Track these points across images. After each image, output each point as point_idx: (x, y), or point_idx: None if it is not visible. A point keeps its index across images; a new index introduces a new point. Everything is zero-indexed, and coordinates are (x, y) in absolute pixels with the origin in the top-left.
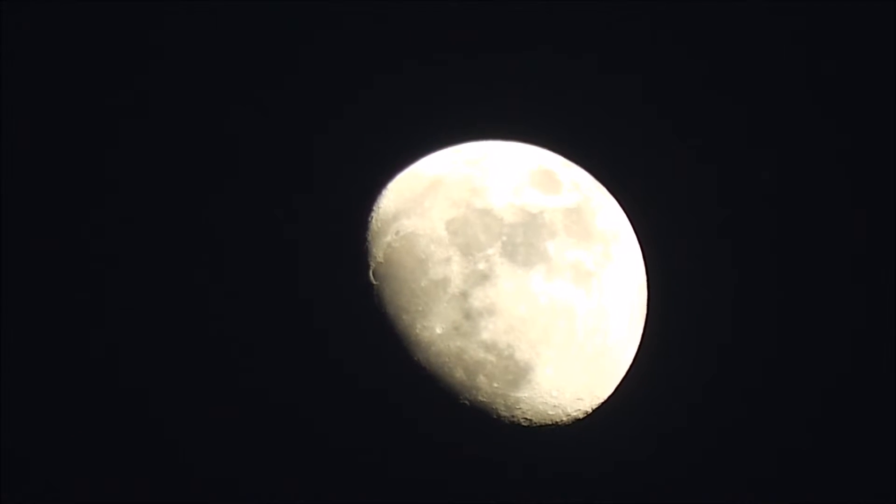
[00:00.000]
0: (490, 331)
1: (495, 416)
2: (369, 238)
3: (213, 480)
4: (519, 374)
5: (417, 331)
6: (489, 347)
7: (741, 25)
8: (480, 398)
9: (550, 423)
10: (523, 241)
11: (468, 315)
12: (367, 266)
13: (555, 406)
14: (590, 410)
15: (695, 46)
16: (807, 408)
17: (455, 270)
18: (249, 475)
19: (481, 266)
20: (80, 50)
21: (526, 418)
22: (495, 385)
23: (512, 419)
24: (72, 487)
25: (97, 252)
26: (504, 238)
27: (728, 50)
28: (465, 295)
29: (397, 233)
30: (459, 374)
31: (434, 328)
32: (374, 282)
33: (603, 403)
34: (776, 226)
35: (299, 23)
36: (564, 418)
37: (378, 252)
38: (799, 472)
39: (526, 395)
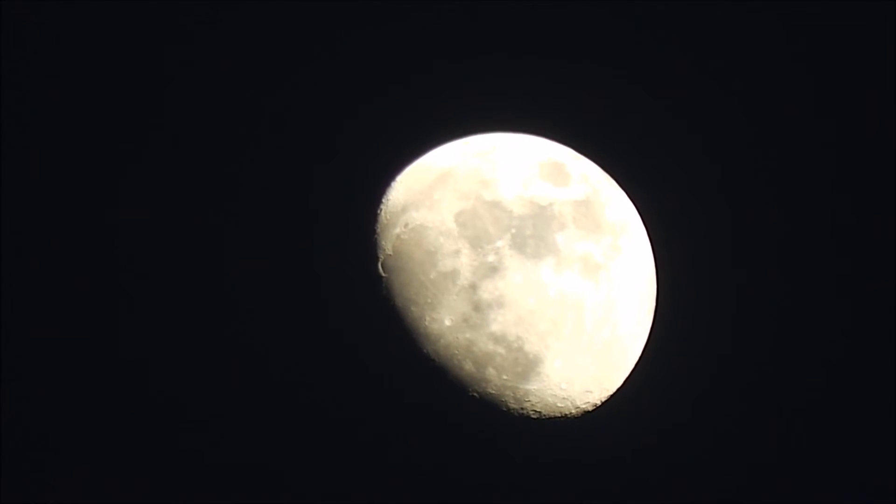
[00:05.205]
0: (499, 323)
1: (504, 409)
2: (378, 230)
3: (220, 468)
4: (528, 366)
5: (426, 323)
6: (498, 340)
7: (748, 22)
8: (490, 390)
9: (560, 415)
10: (532, 233)
11: (477, 307)
12: (377, 258)
13: (564, 398)
14: (599, 403)
15: (703, 41)
16: (813, 401)
17: (464, 263)
18: (253, 464)
19: (490, 258)
20: (108, 48)
21: (535, 410)
22: (504, 377)
23: (521, 411)
24: (72, 483)
25: (111, 245)
26: (513, 230)
27: (736, 45)
28: (474, 287)
29: (406, 225)
30: (468, 366)
31: (443, 320)
32: (384, 274)
33: (612, 395)
34: (784, 219)
35: (313, 21)
36: (574, 410)
37: (387, 244)
38: (804, 463)
39: (535, 387)
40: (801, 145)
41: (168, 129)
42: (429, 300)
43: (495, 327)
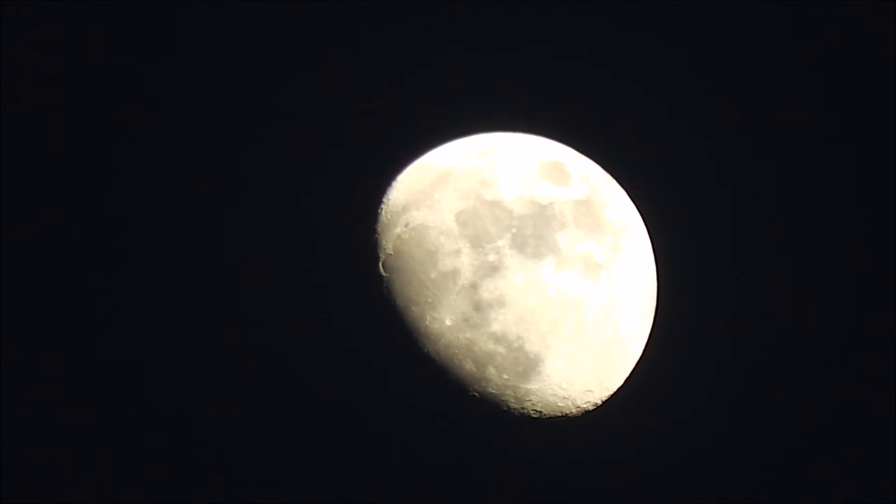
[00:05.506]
0: (500, 322)
1: (505, 408)
2: (379, 230)
3: (220, 467)
4: (528, 365)
5: (427, 323)
6: (499, 339)
7: (748, 22)
8: (490, 390)
9: (560, 414)
10: (533, 232)
11: (478, 307)
12: (377, 258)
13: (564, 398)
14: (599, 402)
15: (703, 42)
16: (813, 401)
17: (464, 262)
18: (254, 464)
19: (491, 258)
20: (107, 50)
21: (536, 410)
22: (505, 377)
23: (522, 411)
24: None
25: (113, 244)
26: (514, 230)
27: (736, 45)
28: (474, 287)
29: (407, 225)
30: (469, 365)
31: (444, 320)
32: (384, 273)
33: (612, 395)
34: (784, 219)
35: (313, 21)
36: (574, 410)
37: (388, 244)
38: (804, 463)
39: (536, 386)
40: (802, 145)
41: (169, 128)
42: (429, 300)
43: (496, 327)
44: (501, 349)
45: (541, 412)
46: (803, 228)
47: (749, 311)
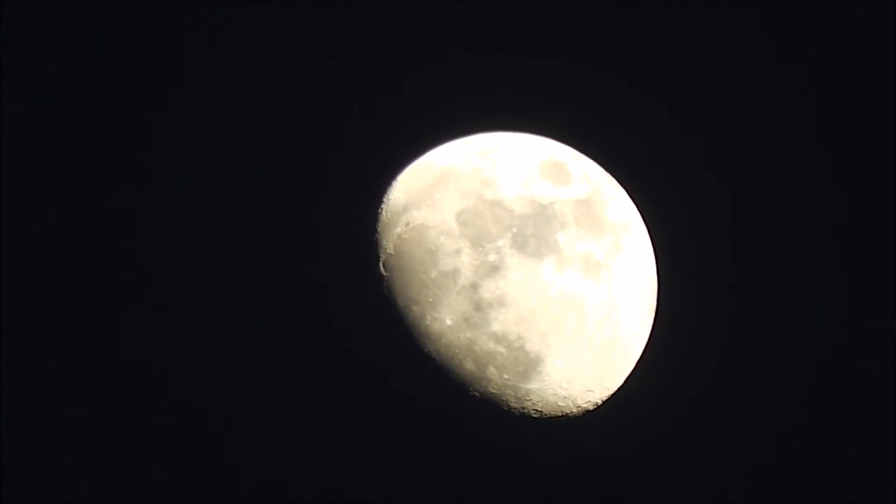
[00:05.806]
0: (500, 322)
1: (505, 408)
2: (379, 230)
3: (220, 467)
4: (529, 365)
5: (427, 322)
6: (499, 339)
7: (748, 22)
8: (490, 390)
9: (560, 414)
10: (533, 232)
11: (478, 306)
12: (378, 258)
13: (565, 397)
14: (600, 402)
15: (703, 42)
16: (813, 401)
17: (465, 262)
18: (254, 464)
19: (491, 257)
20: (105, 52)
21: (536, 410)
22: (505, 377)
23: (522, 411)
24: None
25: (115, 244)
26: (514, 229)
27: (736, 45)
28: (475, 286)
29: (407, 224)
30: (469, 365)
31: (444, 320)
32: (385, 273)
33: (613, 395)
34: (784, 219)
35: (314, 21)
36: (575, 410)
37: (388, 243)
38: (804, 463)
39: (536, 386)
40: (801, 145)
41: (169, 128)
42: (430, 299)
43: (496, 326)
44: (502, 349)
45: (541, 412)
46: (803, 228)
47: (749, 311)
